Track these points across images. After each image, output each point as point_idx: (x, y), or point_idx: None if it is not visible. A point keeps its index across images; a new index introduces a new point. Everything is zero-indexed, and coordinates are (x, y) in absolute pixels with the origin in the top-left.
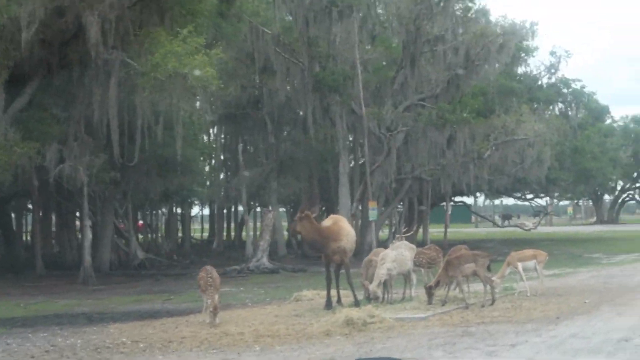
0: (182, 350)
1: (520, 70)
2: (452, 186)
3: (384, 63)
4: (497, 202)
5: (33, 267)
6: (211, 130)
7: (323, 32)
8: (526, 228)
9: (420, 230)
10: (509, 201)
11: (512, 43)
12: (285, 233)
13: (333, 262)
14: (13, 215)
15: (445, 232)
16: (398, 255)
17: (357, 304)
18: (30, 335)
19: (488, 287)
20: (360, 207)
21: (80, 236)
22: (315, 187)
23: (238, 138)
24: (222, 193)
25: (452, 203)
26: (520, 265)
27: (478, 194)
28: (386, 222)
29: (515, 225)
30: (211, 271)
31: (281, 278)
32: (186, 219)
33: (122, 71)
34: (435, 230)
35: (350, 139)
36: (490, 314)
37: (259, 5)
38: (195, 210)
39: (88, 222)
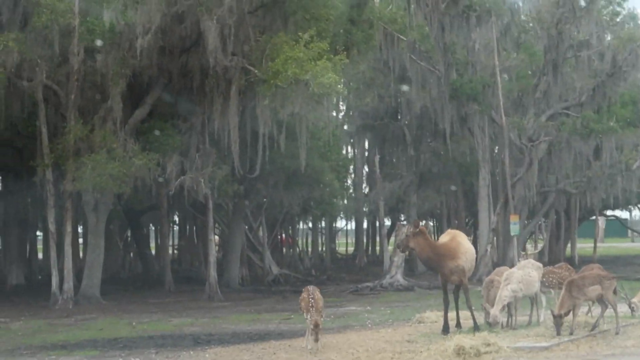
0: None
1: None
2: (601, 199)
3: (529, 72)
4: None
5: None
6: (350, 143)
7: (461, 38)
8: None
9: (569, 245)
10: None
11: None
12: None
13: (450, 282)
14: (153, 228)
15: (595, 247)
16: (524, 275)
17: (476, 328)
18: (120, 359)
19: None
20: (499, 222)
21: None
22: (460, 200)
23: (376, 150)
24: (365, 207)
25: (603, 217)
26: None
27: (632, 207)
28: (532, 237)
29: None
30: (313, 292)
31: (414, 296)
32: (328, 233)
33: (243, 79)
34: (585, 246)
35: (492, 150)
36: (623, 343)
37: (396, 12)
38: (341, 224)
39: (213, 237)
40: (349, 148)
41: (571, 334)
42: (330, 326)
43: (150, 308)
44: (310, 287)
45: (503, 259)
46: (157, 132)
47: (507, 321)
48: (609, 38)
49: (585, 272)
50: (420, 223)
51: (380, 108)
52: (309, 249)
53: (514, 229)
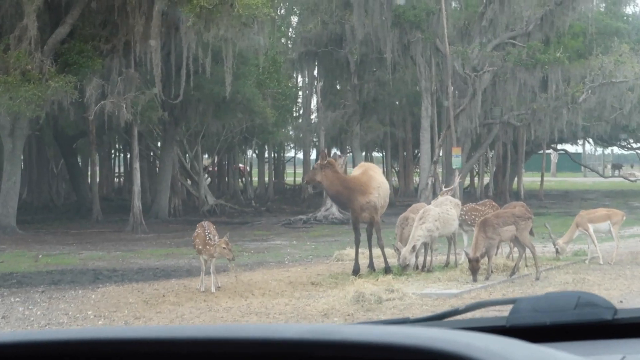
0: None
1: (629, 10)
2: (552, 133)
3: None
4: (608, 150)
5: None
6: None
7: None
8: (632, 179)
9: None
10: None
11: None
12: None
13: (361, 219)
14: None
15: (542, 181)
16: (442, 213)
17: (388, 270)
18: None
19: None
20: (441, 154)
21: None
22: (408, 131)
23: (319, 78)
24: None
25: (552, 151)
26: (591, 228)
27: (580, 142)
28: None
29: (622, 176)
30: (209, 227)
31: (346, 230)
32: (273, 163)
33: None
34: (535, 180)
35: (436, 80)
36: (542, 291)
37: None
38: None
39: (137, 165)
40: (299, 76)
41: (487, 279)
42: (244, 262)
43: (68, 239)
44: (205, 223)
45: (453, 192)
46: (75, 55)
47: (424, 264)
48: None
49: (499, 211)
50: (337, 155)
51: (324, 35)
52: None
53: (456, 161)
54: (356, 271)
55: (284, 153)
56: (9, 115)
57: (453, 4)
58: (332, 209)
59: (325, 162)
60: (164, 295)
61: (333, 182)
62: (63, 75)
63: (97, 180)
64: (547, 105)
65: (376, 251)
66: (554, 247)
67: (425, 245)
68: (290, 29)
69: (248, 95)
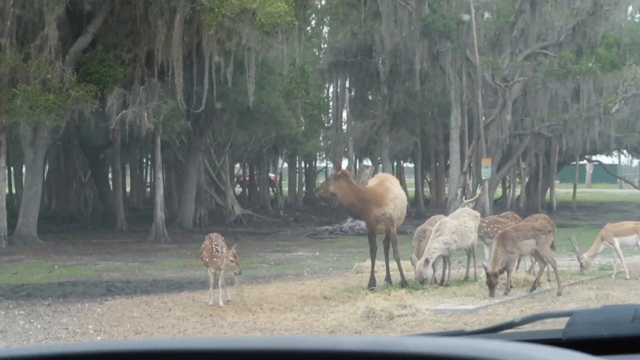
0: None
1: None
2: (584, 144)
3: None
4: None
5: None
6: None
7: None
8: None
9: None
10: None
11: None
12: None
13: (377, 232)
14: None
15: (574, 192)
16: (459, 225)
17: (404, 284)
18: (2, 312)
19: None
20: (471, 165)
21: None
22: (440, 142)
23: (349, 88)
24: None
25: (587, 162)
26: (617, 241)
27: (615, 153)
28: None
29: None
30: (217, 239)
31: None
32: (303, 173)
33: (188, 7)
34: (570, 191)
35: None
36: (563, 307)
37: None
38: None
39: (160, 175)
40: (331, 87)
41: (505, 294)
42: (262, 274)
43: (89, 249)
44: (213, 235)
45: (475, 204)
46: (96, 64)
47: (443, 276)
48: None
49: (520, 223)
50: (365, 165)
51: (354, 45)
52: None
53: (486, 172)
54: (372, 285)
55: (315, 163)
56: (29, 125)
57: (486, 14)
58: (357, 220)
59: (339, 172)
60: (170, 309)
61: (347, 193)
62: (84, 85)
63: (122, 190)
64: (579, 116)
65: (393, 264)
66: (579, 261)
67: (445, 258)
68: (322, 40)
69: (273, 105)
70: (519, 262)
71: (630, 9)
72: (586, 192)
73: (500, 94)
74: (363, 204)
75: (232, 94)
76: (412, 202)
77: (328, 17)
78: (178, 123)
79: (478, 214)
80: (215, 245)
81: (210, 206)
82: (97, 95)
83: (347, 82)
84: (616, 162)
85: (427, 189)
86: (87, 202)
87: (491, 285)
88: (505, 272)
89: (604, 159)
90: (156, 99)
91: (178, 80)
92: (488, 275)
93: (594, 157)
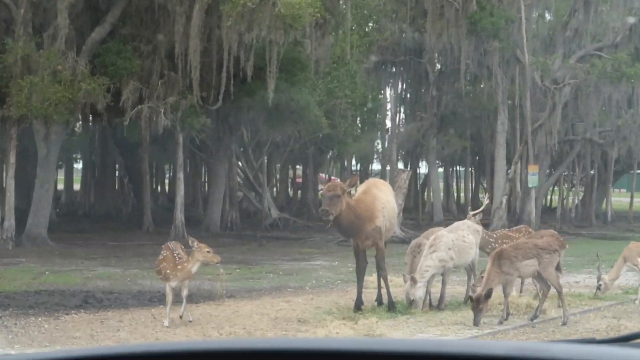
0: None
1: None
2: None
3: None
4: None
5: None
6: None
7: None
8: None
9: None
10: None
11: None
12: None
13: (363, 247)
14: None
15: (631, 202)
16: (456, 240)
17: (391, 306)
18: None
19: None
20: (517, 171)
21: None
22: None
23: (397, 88)
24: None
25: None
26: None
27: None
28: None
29: None
30: (176, 247)
31: (402, 251)
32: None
33: None
34: (626, 200)
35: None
36: (566, 338)
37: None
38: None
39: (181, 175)
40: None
41: (501, 322)
42: (261, 286)
43: (99, 252)
44: (172, 243)
45: (521, 213)
46: (112, 56)
47: (441, 297)
48: None
49: (520, 240)
50: (401, 170)
51: (402, 43)
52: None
53: (533, 180)
54: (359, 306)
55: (371, 165)
56: (36, 119)
57: (537, 13)
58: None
59: (340, 190)
60: (118, 330)
61: (347, 210)
62: (96, 77)
63: (156, 189)
64: (633, 122)
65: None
66: (597, 282)
67: (442, 276)
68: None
69: (302, 103)
70: (522, 283)
71: None
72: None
73: (549, 97)
74: (358, 220)
75: (260, 91)
76: (462, 209)
77: (375, 14)
78: (198, 120)
79: (479, 228)
80: (177, 254)
81: (249, 208)
82: (109, 89)
83: (392, 83)
84: None
85: (482, 195)
86: (126, 200)
87: (476, 311)
88: (503, 297)
89: None
90: (175, 94)
91: (195, 74)
92: (471, 299)
93: None
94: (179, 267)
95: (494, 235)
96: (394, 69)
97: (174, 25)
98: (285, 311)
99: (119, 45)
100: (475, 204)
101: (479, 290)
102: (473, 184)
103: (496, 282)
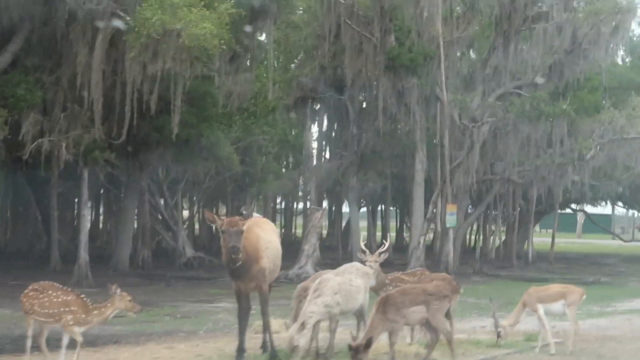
0: None
1: None
2: (555, 192)
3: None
4: None
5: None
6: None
7: (408, 3)
8: None
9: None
10: None
11: (629, 23)
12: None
13: (246, 290)
14: None
15: (552, 243)
16: (343, 284)
17: (273, 355)
18: None
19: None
20: (435, 211)
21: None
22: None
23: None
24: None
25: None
26: (541, 308)
27: (603, 203)
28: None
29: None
30: (47, 288)
31: None
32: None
33: (111, 26)
34: (560, 241)
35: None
36: None
37: None
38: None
39: (85, 212)
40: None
41: None
42: (153, 330)
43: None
44: (46, 283)
45: (439, 253)
46: (13, 87)
47: (330, 346)
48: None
49: (408, 285)
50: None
51: (322, 79)
52: None
53: (451, 220)
54: (241, 353)
55: (295, 203)
56: None
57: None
58: (306, 267)
59: (238, 225)
60: None
61: (246, 252)
62: None
63: (64, 225)
64: (552, 162)
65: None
66: (495, 329)
67: (330, 323)
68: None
69: (212, 139)
70: (412, 330)
71: (611, 47)
72: (575, 242)
73: (468, 136)
74: (248, 260)
75: (168, 125)
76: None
77: (295, 50)
78: (102, 155)
79: (370, 271)
80: (53, 295)
81: (168, 247)
82: (6, 122)
83: (318, 119)
84: (608, 211)
85: (406, 234)
86: (40, 237)
87: None
88: (389, 346)
89: (602, 209)
90: (79, 127)
91: (97, 106)
92: (350, 349)
93: (586, 206)
94: (95, 312)
95: (389, 277)
96: (318, 106)
97: (77, 56)
98: None
99: (21, 76)
100: (400, 243)
101: (358, 340)
102: (398, 223)
103: (379, 330)
